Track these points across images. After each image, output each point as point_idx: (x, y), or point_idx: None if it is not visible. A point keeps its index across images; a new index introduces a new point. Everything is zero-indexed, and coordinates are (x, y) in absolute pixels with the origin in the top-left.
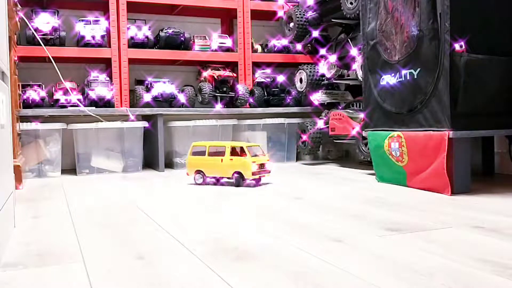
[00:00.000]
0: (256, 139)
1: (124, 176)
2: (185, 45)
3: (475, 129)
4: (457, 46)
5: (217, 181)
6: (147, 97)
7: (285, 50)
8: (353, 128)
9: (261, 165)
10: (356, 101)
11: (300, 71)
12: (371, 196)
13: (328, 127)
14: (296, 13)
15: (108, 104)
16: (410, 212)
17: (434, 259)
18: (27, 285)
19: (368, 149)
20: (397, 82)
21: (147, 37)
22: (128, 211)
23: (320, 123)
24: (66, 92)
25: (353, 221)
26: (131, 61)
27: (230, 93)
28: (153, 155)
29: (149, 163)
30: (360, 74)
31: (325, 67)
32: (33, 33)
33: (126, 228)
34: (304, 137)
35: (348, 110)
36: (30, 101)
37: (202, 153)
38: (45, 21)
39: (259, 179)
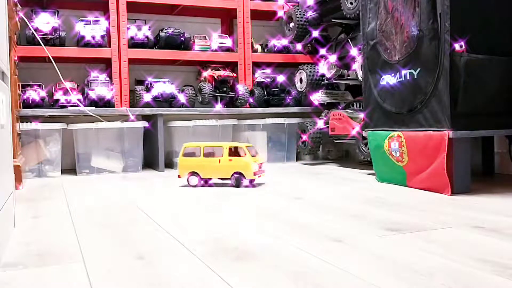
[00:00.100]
0: (256, 139)
1: (124, 176)
2: (185, 45)
3: (475, 129)
4: (457, 46)
5: (206, 183)
6: (147, 97)
7: (285, 50)
8: (353, 128)
9: (259, 165)
10: (356, 101)
11: (300, 71)
12: (371, 196)
13: (328, 127)
14: (296, 13)
15: (108, 104)
16: (410, 212)
17: (434, 259)
18: (27, 285)
19: (368, 149)
20: (397, 82)
21: (147, 37)
22: (128, 211)
23: (320, 123)
24: (66, 92)
25: (353, 221)
26: (131, 61)
27: (230, 93)
28: (153, 155)
29: (149, 163)
30: (360, 74)
31: (325, 67)
32: (33, 33)
33: (126, 228)
34: (304, 137)
35: (348, 110)
36: (30, 101)
37: (195, 154)
38: (45, 21)
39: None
